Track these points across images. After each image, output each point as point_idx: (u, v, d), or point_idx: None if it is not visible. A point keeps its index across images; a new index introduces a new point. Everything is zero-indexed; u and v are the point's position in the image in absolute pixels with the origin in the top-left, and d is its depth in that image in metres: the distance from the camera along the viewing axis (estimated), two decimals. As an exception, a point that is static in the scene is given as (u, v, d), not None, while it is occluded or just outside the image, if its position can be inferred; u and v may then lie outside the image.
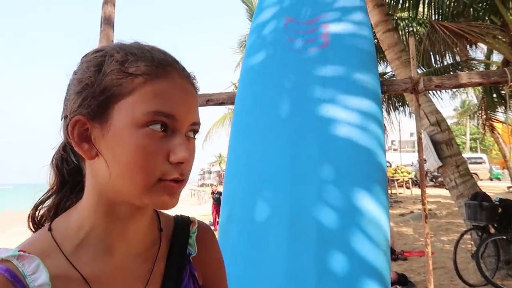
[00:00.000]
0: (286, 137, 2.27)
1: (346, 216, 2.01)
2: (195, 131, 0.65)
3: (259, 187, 2.23)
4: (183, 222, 0.79)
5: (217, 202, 12.09)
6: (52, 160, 0.72)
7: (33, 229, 0.71)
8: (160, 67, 0.60)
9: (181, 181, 0.61)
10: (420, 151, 2.46)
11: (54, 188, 0.74)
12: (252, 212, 2.17)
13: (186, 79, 0.64)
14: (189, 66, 0.67)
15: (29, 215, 0.75)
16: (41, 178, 0.74)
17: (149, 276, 0.68)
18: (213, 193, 13.22)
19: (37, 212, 0.74)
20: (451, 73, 8.75)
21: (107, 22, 2.81)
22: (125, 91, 0.58)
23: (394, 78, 4.66)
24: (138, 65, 0.59)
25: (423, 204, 2.38)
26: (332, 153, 2.17)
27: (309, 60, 2.41)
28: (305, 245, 1.98)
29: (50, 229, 0.64)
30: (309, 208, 2.06)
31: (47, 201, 0.75)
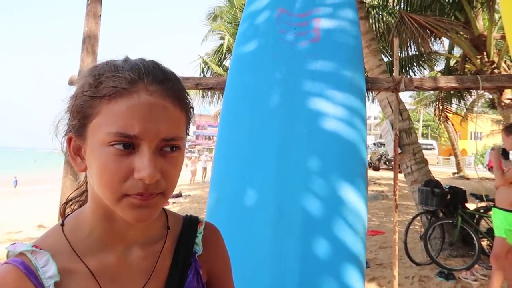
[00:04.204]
0: (275, 127, 2.33)
1: (329, 205, 2.14)
2: (172, 146, 0.63)
3: (247, 174, 2.29)
4: (191, 222, 0.84)
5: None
6: None
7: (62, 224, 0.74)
8: (125, 87, 0.61)
9: (152, 195, 0.61)
10: (395, 146, 2.64)
11: (82, 185, 0.81)
12: (240, 197, 2.24)
13: (157, 93, 0.62)
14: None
15: (59, 210, 0.81)
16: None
17: (152, 271, 0.72)
18: None
19: (66, 206, 0.79)
20: (414, 63, 9.13)
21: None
22: (94, 112, 0.62)
23: (378, 76, 4.85)
24: (105, 87, 0.61)
25: (395, 195, 2.59)
26: (318, 146, 2.26)
27: (300, 53, 2.46)
28: (290, 230, 2.10)
29: (62, 225, 0.70)
30: (295, 196, 2.16)
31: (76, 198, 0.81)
